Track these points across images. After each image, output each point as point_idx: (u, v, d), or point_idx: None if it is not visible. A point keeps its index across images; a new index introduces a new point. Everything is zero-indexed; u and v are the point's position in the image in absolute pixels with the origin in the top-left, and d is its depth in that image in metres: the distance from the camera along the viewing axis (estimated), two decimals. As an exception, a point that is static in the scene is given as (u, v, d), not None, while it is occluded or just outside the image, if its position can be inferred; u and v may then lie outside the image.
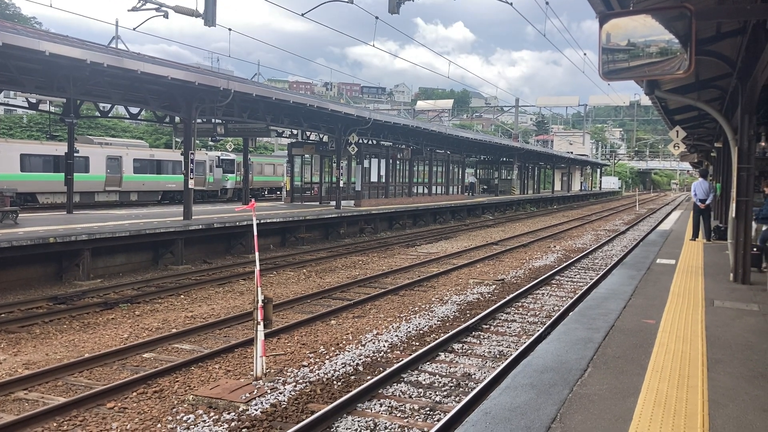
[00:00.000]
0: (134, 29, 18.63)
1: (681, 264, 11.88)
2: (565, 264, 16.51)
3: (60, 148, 26.41)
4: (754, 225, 11.51)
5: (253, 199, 8.90)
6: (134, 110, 21.23)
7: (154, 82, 15.97)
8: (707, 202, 15.00)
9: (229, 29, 20.66)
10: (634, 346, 6.08)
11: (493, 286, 13.56)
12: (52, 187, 27.59)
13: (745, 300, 8.41)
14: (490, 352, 8.56)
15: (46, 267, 13.34)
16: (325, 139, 27.40)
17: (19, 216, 16.19)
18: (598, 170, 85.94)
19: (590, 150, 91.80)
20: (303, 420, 5.93)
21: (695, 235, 16.01)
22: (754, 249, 10.94)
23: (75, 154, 20.89)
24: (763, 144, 15.14)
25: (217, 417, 6.19)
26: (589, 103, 75.10)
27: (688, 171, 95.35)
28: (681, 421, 4.21)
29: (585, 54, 41.54)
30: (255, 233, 7.83)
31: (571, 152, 69.81)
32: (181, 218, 17.71)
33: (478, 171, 53.00)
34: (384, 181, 30.34)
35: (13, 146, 27.33)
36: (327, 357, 8.27)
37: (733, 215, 9.45)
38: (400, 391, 7.00)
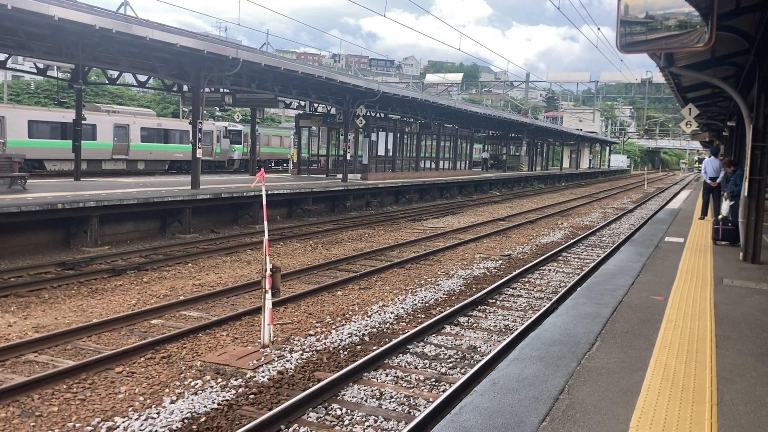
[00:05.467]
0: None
1: (690, 242, 11.82)
2: (572, 241, 16.47)
3: (67, 115, 26.36)
4: (726, 202, 11.82)
5: (262, 169, 8.87)
6: (142, 78, 21.14)
7: (162, 49, 15.84)
8: (718, 180, 14.88)
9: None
10: (642, 321, 6.07)
11: (500, 262, 13.55)
12: (60, 154, 27.60)
13: (754, 279, 8.37)
14: (496, 325, 8.58)
15: (54, 233, 13.39)
16: (333, 111, 27.26)
17: (28, 182, 16.21)
18: (607, 148, 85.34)
19: (600, 127, 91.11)
20: (310, 387, 5.98)
21: (704, 214, 15.93)
22: (729, 224, 11.42)
23: (83, 122, 20.85)
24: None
25: (224, 383, 6.24)
26: (601, 80, 74.27)
27: (698, 150, 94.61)
28: (689, 395, 4.21)
29: (599, 29, 41.02)
30: (264, 202, 7.81)
31: (581, 129, 69.32)
32: (189, 187, 17.71)
33: (486, 146, 52.82)
34: (391, 154, 30.21)
35: (21, 112, 27.29)
36: (333, 327, 8.31)
37: (746, 194, 9.37)
38: (406, 361, 7.04)
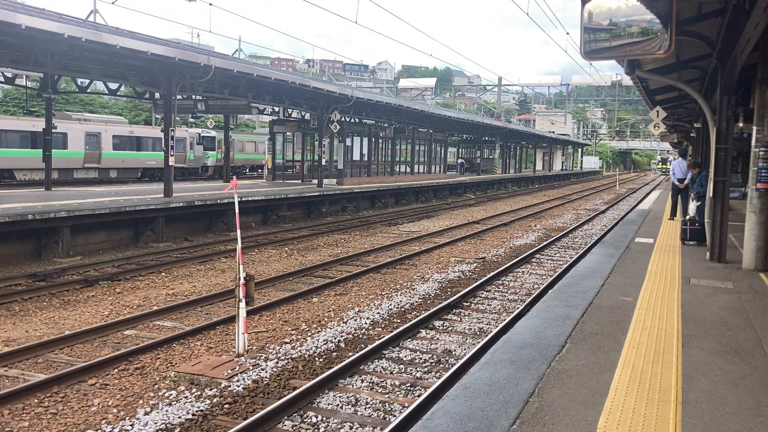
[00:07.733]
0: (113, 2, 18.27)
1: (659, 243, 12.05)
2: (545, 243, 16.66)
3: (37, 124, 25.98)
4: (693, 203, 12.12)
5: (234, 177, 8.86)
6: (113, 86, 20.94)
7: (133, 57, 15.71)
8: (685, 181, 15.19)
9: (210, 3, 20.37)
10: (612, 322, 6.19)
11: (474, 265, 13.67)
12: (30, 164, 27.17)
13: (720, 278, 8.58)
14: (471, 329, 8.66)
15: (25, 244, 13.20)
16: (307, 116, 27.24)
17: (-4, 192, 15.95)
18: (580, 150, 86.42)
19: (572, 130, 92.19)
20: (285, 396, 5.99)
21: (673, 215, 16.24)
22: (696, 224, 11.68)
23: (53, 130, 20.57)
24: (741, 124, 15.34)
25: (199, 393, 6.22)
26: (572, 83, 75.28)
27: (668, 151, 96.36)
28: (655, 394, 4.32)
29: (568, 33, 41.63)
30: (237, 211, 7.81)
31: (553, 132, 70.12)
32: (162, 195, 17.57)
33: (460, 150, 53.20)
34: (366, 159, 30.27)
35: (-12, 121, 26.82)
36: (309, 334, 8.32)
37: (711, 195, 9.59)
38: (382, 367, 7.07)
